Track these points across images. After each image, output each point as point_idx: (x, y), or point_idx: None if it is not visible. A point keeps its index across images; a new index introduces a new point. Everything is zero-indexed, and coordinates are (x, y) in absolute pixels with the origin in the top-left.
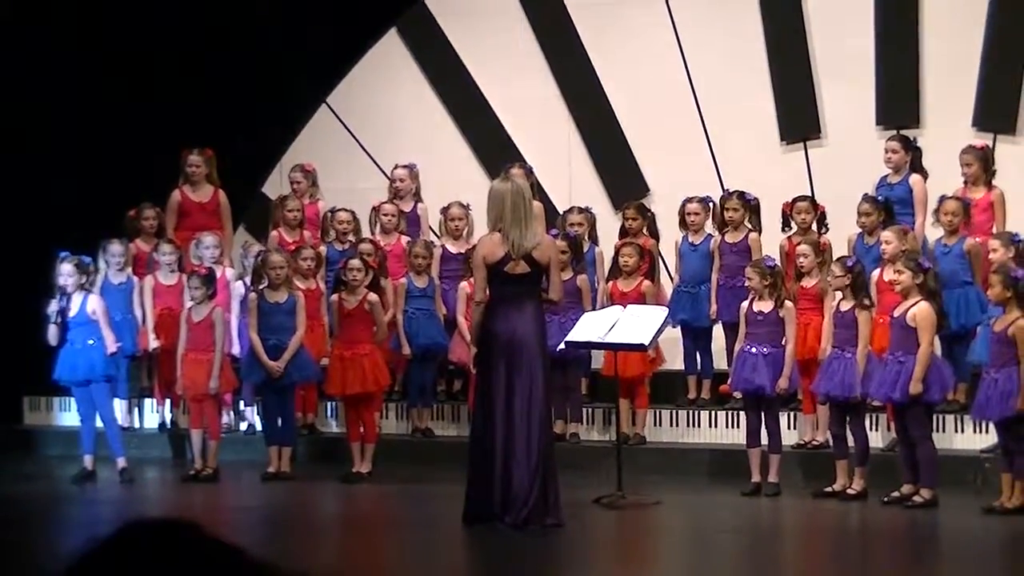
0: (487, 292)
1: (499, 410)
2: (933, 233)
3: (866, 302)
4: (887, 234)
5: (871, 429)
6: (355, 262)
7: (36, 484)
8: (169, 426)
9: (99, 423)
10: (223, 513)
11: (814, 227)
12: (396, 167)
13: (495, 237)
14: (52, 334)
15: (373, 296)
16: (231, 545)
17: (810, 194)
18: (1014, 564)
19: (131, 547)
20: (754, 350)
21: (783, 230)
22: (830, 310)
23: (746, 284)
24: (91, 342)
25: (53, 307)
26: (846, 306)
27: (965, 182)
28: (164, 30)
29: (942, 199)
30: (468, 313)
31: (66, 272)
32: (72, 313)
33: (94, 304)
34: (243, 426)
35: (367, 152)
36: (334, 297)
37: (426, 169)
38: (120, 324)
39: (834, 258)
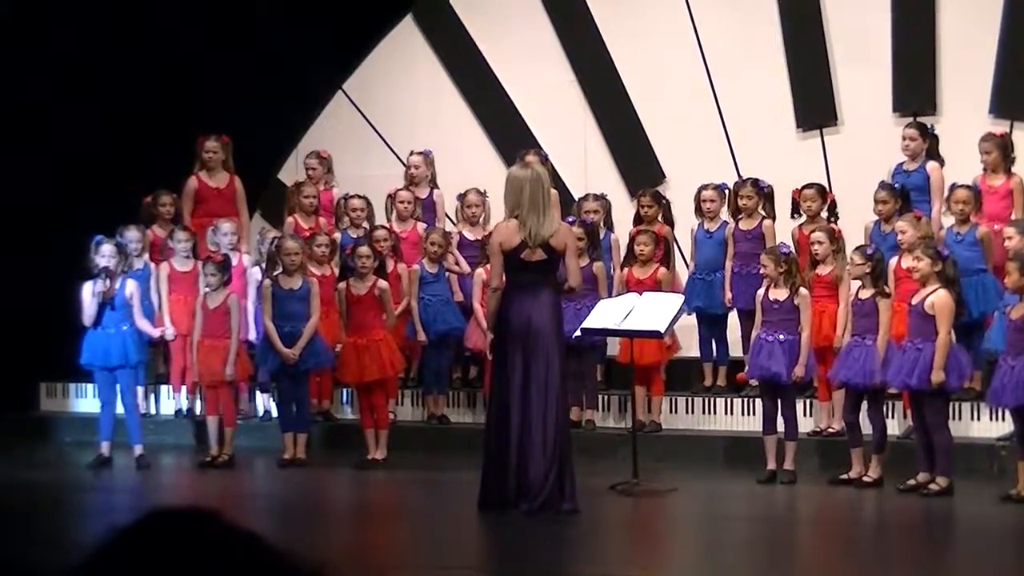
0: (503, 279)
1: (515, 397)
2: (949, 221)
3: (886, 290)
4: (901, 223)
5: (888, 417)
6: (364, 249)
7: (52, 471)
8: (185, 413)
9: (119, 409)
10: (239, 500)
11: (823, 215)
12: (411, 154)
13: (512, 224)
14: (90, 315)
15: (383, 283)
16: (252, 534)
17: (826, 182)
18: None
19: (152, 536)
20: (770, 338)
21: (792, 217)
22: (846, 298)
23: (761, 271)
24: (125, 327)
25: (99, 288)
26: (865, 294)
27: (984, 169)
28: (182, 16)
29: (953, 187)
30: (484, 300)
31: (108, 253)
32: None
33: (132, 288)
34: (259, 412)
35: (383, 139)
36: (342, 284)
37: (442, 156)
38: None
39: (847, 246)
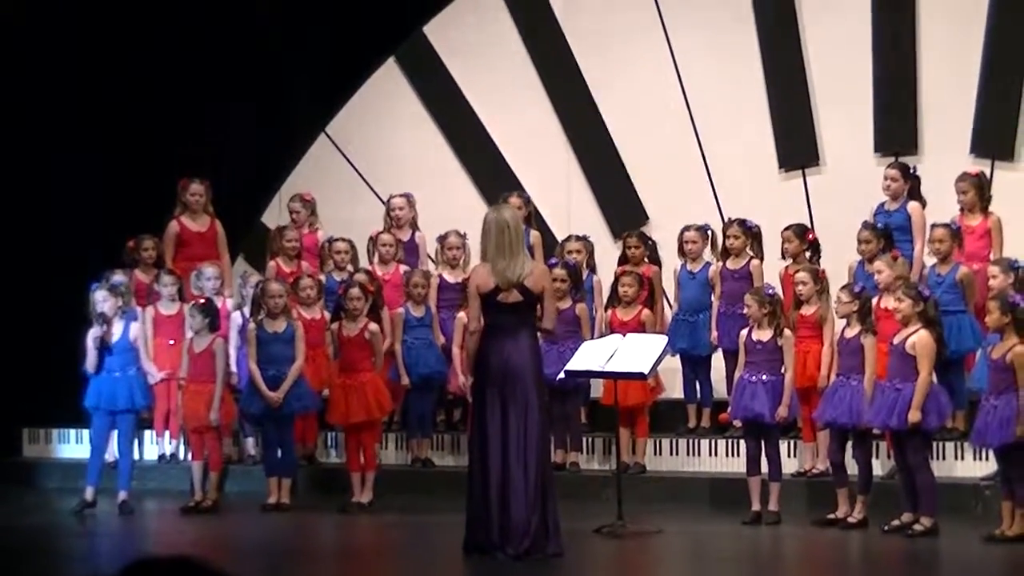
0: (481, 321)
1: (494, 440)
2: (932, 260)
3: (872, 328)
4: (878, 263)
5: (872, 457)
6: (355, 291)
7: (35, 516)
8: (168, 457)
9: (109, 456)
10: (223, 545)
11: (805, 255)
12: (393, 196)
13: (487, 267)
14: (92, 362)
15: (374, 326)
16: None
17: (808, 222)
18: None
19: None
20: (753, 378)
21: (782, 257)
22: (830, 337)
23: (745, 312)
24: (131, 371)
25: (95, 333)
26: (851, 333)
27: (961, 209)
28: (165, 59)
29: (932, 226)
30: (463, 343)
31: (100, 298)
32: (114, 339)
33: (136, 331)
34: (246, 455)
35: (366, 181)
36: (334, 325)
37: (425, 198)
38: None
39: (831, 286)
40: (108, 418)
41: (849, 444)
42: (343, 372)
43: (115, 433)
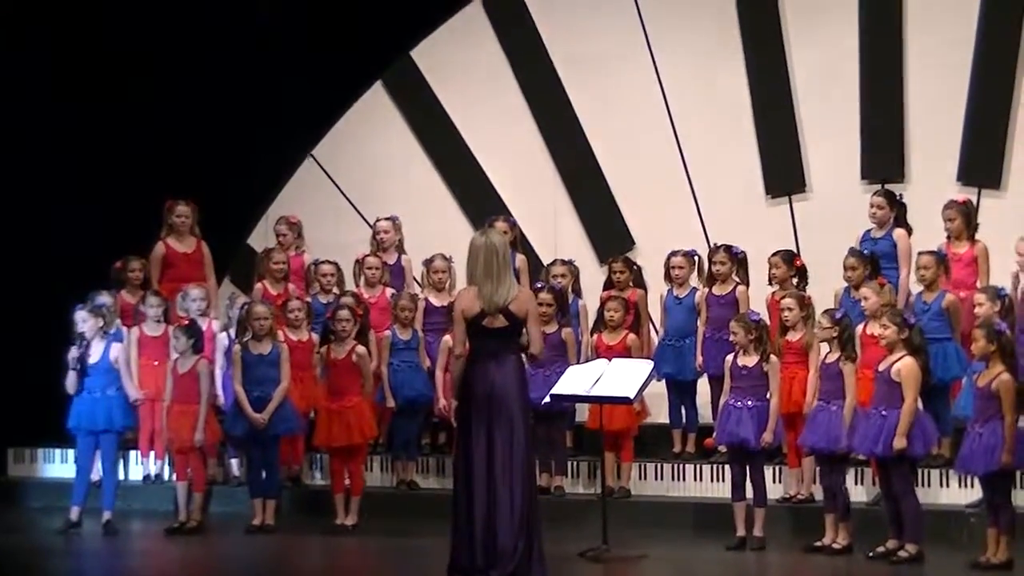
0: (466, 346)
1: (479, 464)
2: (918, 288)
3: (853, 355)
4: (865, 290)
5: (857, 483)
6: (343, 312)
7: (20, 536)
8: (154, 478)
9: (94, 476)
10: (206, 566)
11: (793, 281)
12: (379, 219)
13: (472, 291)
14: (71, 382)
15: (361, 348)
16: None
17: (795, 248)
18: None
19: None
20: (738, 404)
21: (769, 283)
22: (816, 363)
23: (731, 338)
24: (111, 392)
25: (73, 353)
26: (832, 358)
27: (948, 237)
28: (153, 83)
29: (919, 254)
30: (448, 366)
31: (81, 319)
32: (93, 360)
33: (117, 352)
34: (231, 475)
35: (352, 204)
36: (323, 348)
37: (411, 221)
38: None
39: (817, 312)
40: (92, 438)
41: (827, 471)
42: (331, 395)
43: (99, 453)
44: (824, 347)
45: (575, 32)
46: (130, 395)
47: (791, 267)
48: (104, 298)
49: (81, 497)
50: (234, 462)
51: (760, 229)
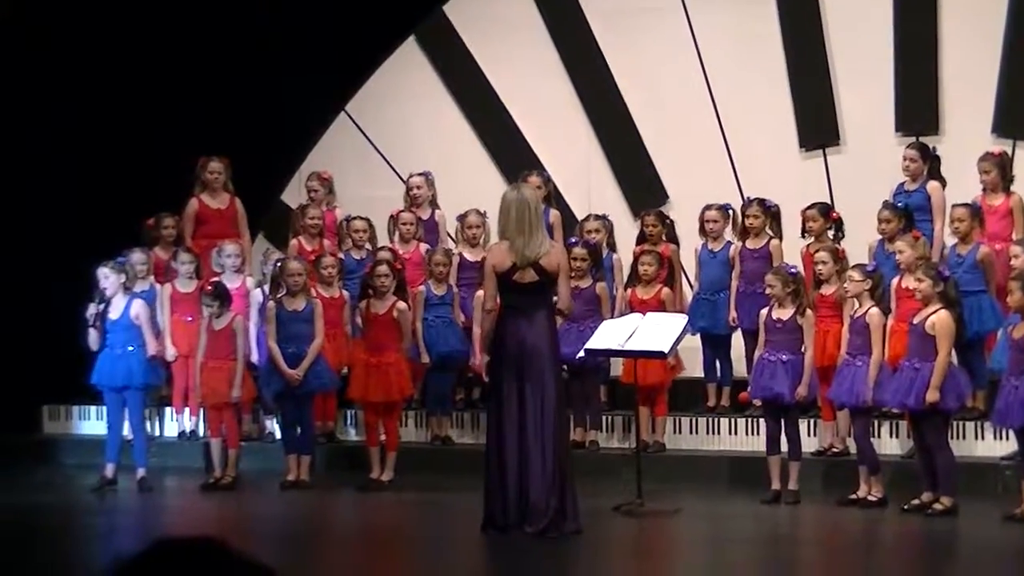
0: (497, 300)
1: (511, 420)
2: (953, 240)
3: (881, 307)
4: (899, 243)
5: (892, 436)
6: (382, 268)
7: (55, 494)
8: (188, 434)
9: (125, 431)
10: (241, 522)
11: (828, 234)
12: (412, 175)
13: (503, 246)
14: (92, 338)
15: (402, 304)
16: (259, 564)
17: (828, 201)
18: None
19: (159, 566)
20: (773, 358)
21: (803, 236)
22: (850, 317)
23: (767, 291)
24: (131, 348)
25: (92, 311)
26: (861, 312)
27: (984, 189)
28: (184, 39)
29: (953, 206)
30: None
31: (103, 275)
32: (114, 316)
33: (138, 308)
34: (265, 433)
35: (386, 160)
36: (362, 303)
37: (445, 177)
38: None
39: (851, 265)
40: (119, 395)
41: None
42: (369, 350)
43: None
44: (855, 300)
45: None
46: (150, 350)
47: (827, 220)
48: (137, 255)
49: (114, 454)
50: (269, 419)
51: (794, 182)
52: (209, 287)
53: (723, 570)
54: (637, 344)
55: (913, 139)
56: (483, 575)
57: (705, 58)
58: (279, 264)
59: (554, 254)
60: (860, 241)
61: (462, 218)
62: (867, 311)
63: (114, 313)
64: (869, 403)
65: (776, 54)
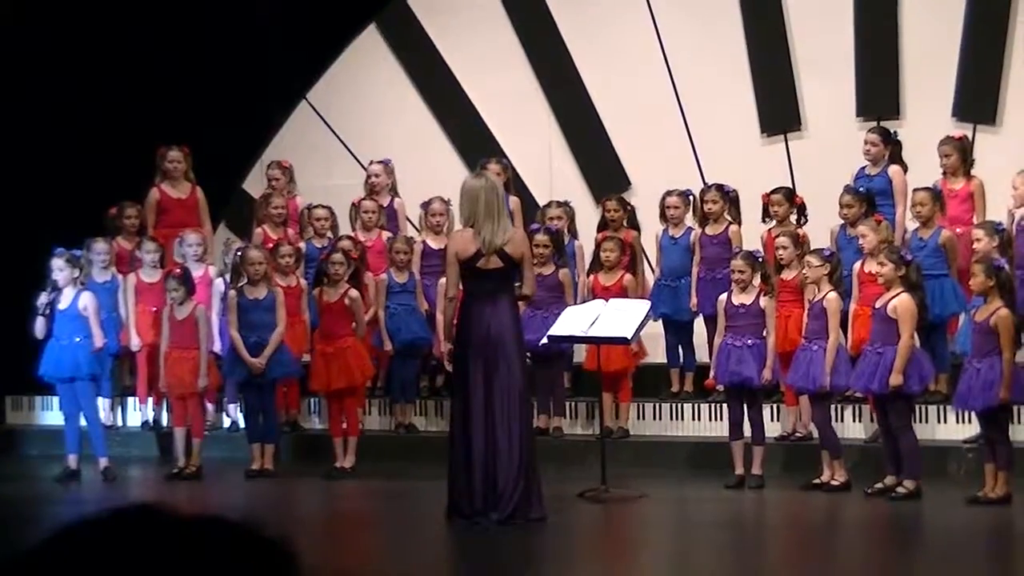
0: (459, 288)
1: (477, 407)
2: (914, 224)
3: (839, 292)
4: (862, 228)
5: (855, 420)
6: (337, 256)
7: (18, 484)
8: (152, 424)
9: (82, 422)
10: (206, 511)
11: (792, 219)
12: (371, 163)
13: (467, 233)
14: (39, 327)
15: (354, 292)
16: (204, 516)
17: (791, 186)
18: (998, 554)
19: (103, 531)
20: (737, 343)
21: (763, 221)
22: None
23: (735, 277)
24: (78, 339)
25: (42, 299)
26: (818, 296)
27: (944, 173)
28: (145, 27)
29: (914, 190)
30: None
31: (57, 266)
32: (62, 306)
33: (87, 300)
34: (226, 423)
35: (347, 148)
36: (316, 291)
37: (406, 165)
38: (106, 322)
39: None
40: (70, 386)
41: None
42: (323, 339)
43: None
44: (815, 285)
45: None
46: (96, 343)
47: (792, 205)
48: (100, 244)
49: (74, 445)
50: (232, 407)
51: (755, 168)
52: (178, 271)
53: (688, 555)
54: (600, 330)
55: (874, 123)
56: (448, 562)
57: (666, 43)
58: (240, 253)
59: (518, 240)
60: (822, 226)
61: (426, 205)
62: (825, 296)
63: (62, 304)
64: (827, 388)
65: (737, 39)
